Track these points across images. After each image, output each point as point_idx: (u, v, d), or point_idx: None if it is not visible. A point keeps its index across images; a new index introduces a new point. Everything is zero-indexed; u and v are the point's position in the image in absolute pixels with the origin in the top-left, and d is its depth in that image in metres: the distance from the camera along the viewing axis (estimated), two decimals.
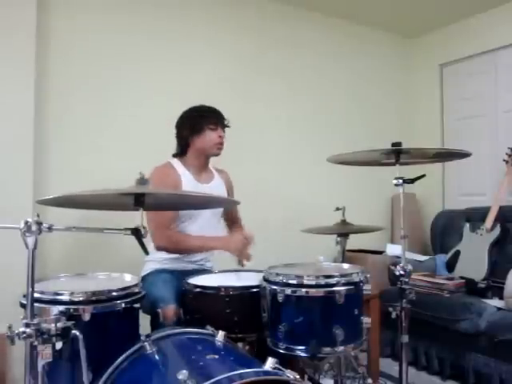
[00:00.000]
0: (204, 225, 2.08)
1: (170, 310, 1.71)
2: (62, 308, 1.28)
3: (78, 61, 2.65)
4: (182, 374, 1.00)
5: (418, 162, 2.05)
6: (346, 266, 1.78)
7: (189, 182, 2.08)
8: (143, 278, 1.98)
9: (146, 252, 1.37)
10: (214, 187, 2.15)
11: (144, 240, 1.33)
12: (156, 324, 1.74)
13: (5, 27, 2.36)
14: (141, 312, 1.56)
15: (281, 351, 1.48)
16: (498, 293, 2.68)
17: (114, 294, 1.39)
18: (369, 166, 2.04)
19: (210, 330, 1.40)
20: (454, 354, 2.63)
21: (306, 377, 1.87)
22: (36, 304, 1.16)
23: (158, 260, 2.07)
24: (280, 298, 1.50)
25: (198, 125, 2.09)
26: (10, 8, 2.37)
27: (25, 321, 1.10)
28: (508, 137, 3.37)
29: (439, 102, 3.94)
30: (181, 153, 2.16)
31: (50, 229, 1.16)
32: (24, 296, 1.20)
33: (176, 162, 2.13)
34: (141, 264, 2.14)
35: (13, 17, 2.38)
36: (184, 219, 2.06)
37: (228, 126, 2.18)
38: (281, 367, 1.10)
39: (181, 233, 2.03)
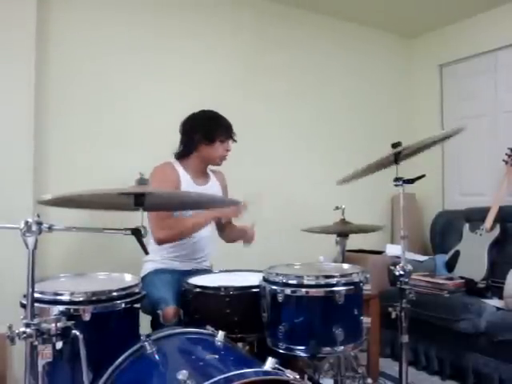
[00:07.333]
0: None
1: (170, 310, 1.72)
2: (62, 308, 1.28)
3: (79, 57, 2.64)
4: (182, 374, 1.01)
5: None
6: (346, 266, 1.78)
7: (188, 184, 2.09)
8: (142, 279, 1.97)
9: (146, 252, 1.37)
10: (210, 188, 2.18)
11: (144, 240, 1.34)
12: (157, 325, 1.75)
13: (5, 22, 2.35)
14: (141, 312, 1.56)
15: (281, 351, 1.49)
16: (498, 293, 2.68)
17: (115, 294, 1.39)
18: (371, 173, 1.97)
19: (209, 330, 1.41)
20: (454, 354, 2.63)
21: (305, 377, 1.87)
22: (36, 304, 1.16)
23: (156, 260, 2.08)
24: (280, 298, 1.50)
25: (209, 134, 2.10)
26: (10, 3, 2.36)
27: (25, 321, 1.10)
28: (508, 137, 3.37)
29: (439, 102, 3.94)
30: (184, 154, 2.15)
31: (49, 229, 1.16)
32: (24, 296, 1.20)
33: (176, 164, 2.14)
34: (141, 264, 2.14)
35: (13, 12, 2.37)
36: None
37: (235, 141, 2.19)
38: (281, 367, 1.10)
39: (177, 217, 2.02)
